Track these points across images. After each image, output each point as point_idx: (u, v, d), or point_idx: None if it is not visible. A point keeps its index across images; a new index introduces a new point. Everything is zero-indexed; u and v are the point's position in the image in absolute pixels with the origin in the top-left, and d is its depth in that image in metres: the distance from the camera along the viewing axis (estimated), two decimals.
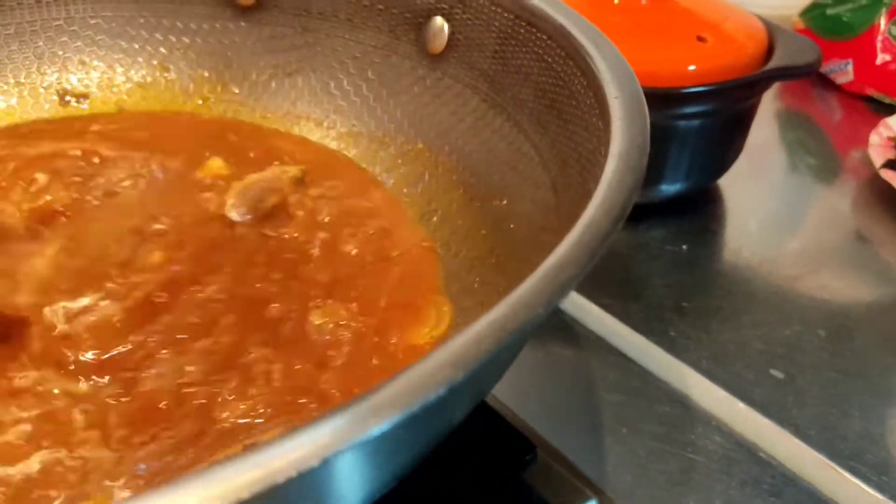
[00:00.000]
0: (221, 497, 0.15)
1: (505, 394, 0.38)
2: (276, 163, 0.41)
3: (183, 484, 0.15)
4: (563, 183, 0.31)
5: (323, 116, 0.44)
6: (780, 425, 0.40)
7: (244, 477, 0.15)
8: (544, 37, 0.35)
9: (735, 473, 0.37)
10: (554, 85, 0.34)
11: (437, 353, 0.18)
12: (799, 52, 0.50)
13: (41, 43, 0.45)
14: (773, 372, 0.43)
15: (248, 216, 0.37)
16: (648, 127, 0.26)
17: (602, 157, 0.26)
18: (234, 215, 0.37)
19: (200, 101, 0.46)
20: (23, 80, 0.45)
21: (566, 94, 0.33)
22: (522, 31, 0.36)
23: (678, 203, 0.54)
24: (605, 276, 0.48)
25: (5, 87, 0.45)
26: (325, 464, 0.16)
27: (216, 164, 0.39)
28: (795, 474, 0.37)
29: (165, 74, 0.46)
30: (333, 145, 0.44)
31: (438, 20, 0.40)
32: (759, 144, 0.63)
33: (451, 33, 0.40)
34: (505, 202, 0.35)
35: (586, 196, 0.27)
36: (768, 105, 0.71)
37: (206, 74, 0.46)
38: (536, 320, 0.19)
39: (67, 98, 0.45)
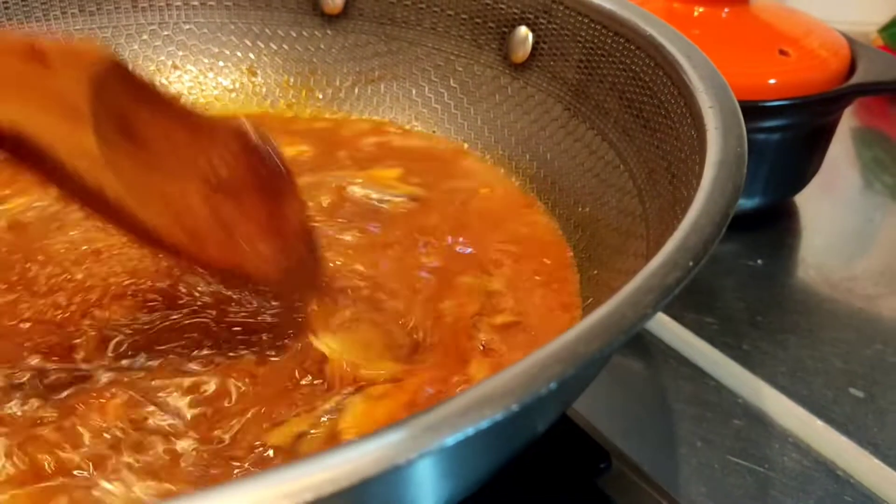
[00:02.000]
0: (302, 492, 0.15)
1: (578, 403, 0.38)
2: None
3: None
4: (651, 191, 0.31)
5: (404, 122, 0.45)
6: (859, 444, 0.39)
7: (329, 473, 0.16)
8: (633, 47, 0.35)
9: (812, 491, 0.37)
10: (641, 94, 0.34)
11: (550, 347, 0.18)
12: (883, 68, 0.50)
13: (136, 46, 0.47)
14: (853, 391, 0.42)
15: None
16: (745, 136, 0.26)
17: (697, 166, 0.27)
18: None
19: (285, 106, 0.47)
20: None
21: (654, 103, 0.33)
22: (609, 41, 0.37)
23: (753, 217, 0.53)
24: None
25: None
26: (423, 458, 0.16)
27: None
28: (875, 493, 0.37)
29: (253, 79, 0.48)
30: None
31: (523, 30, 0.41)
32: (834, 161, 0.62)
33: (536, 43, 0.41)
34: (588, 209, 0.36)
35: (679, 203, 0.27)
36: (843, 122, 0.69)
37: (292, 80, 0.47)
38: (644, 320, 0.19)
39: None
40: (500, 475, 0.26)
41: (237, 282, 0.32)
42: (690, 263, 0.21)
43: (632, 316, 0.19)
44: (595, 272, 0.33)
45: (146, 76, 0.30)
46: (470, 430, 0.16)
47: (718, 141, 0.26)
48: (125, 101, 0.29)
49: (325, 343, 0.31)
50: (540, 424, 0.26)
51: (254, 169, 0.33)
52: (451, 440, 0.17)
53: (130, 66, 0.29)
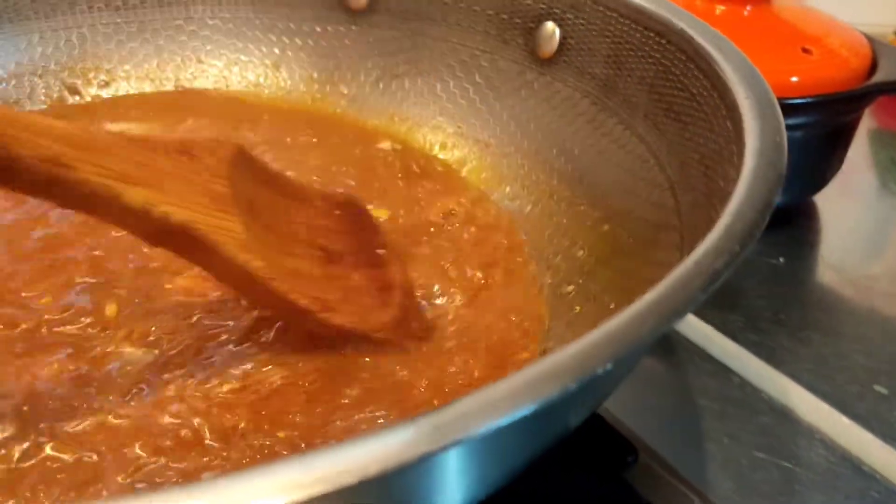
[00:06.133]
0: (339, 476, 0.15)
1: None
2: None
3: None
4: (684, 184, 0.31)
5: (429, 118, 0.45)
6: (884, 440, 0.39)
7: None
8: (663, 41, 0.35)
9: (840, 487, 0.37)
10: (672, 88, 0.34)
11: (601, 330, 0.18)
12: None
13: (161, 42, 0.47)
14: (877, 387, 0.42)
15: None
16: (784, 126, 0.26)
17: (735, 157, 0.27)
18: None
19: (310, 101, 0.47)
20: (142, 76, 0.47)
21: (686, 96, 0.33)
22: (639, 35, 0.37)
23: (774, 215, 0.53)
24: None
25: (124, 83, 0.47)
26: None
27: None
28: None
29: (277, 74, 0.48)
30: (437, 147, 0.45)
31: (550, 25, 0.41)
32: (851, 162, 0.62)
33: (563, 38, 0.41)
34: (617, 202, 0.36)
35: (715, 194, 0.27)
36: (860, 123, 0.70)
37: (316, 74, 0.47)
38: (695, 303, 0.19)
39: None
40: (529, 468, 0.26)
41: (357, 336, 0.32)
42: (738, 248, 0.21)
43: (683, 298, 0.19)
44: (625, 264, 0.33)
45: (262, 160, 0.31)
46: (527, 409, 0.16)
47: (756, 131, 0.26)
48: (251, 183, 0.31)
49: None
50: (574, 418, 0.26)
51: (355, 230, 0.35)
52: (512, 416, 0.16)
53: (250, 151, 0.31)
